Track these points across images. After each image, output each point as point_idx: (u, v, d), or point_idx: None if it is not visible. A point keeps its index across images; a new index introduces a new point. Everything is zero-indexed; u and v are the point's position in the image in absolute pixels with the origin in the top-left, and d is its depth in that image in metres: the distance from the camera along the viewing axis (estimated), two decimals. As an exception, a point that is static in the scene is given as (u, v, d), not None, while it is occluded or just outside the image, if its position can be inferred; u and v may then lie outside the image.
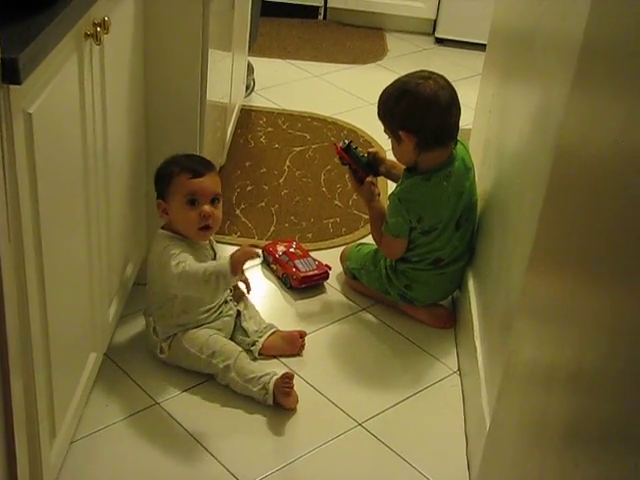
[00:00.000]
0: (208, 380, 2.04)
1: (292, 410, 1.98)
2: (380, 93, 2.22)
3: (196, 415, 1.95)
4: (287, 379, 1.96)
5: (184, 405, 1.97)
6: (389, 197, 2.24)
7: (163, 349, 2.05)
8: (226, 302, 2.14)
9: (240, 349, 2.04)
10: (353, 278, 2.43)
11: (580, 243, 1.17)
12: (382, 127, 2.23)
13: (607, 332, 1.00)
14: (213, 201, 2.01)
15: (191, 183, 1.99)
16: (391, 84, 2.21)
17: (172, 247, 1.97)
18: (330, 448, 1.91)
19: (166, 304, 2.04)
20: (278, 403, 1.97)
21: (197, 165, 2.03)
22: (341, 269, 2.48)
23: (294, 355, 2.14)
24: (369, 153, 2.34)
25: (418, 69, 2.22)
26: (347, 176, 2.42)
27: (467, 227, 2.27)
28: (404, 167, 2.26)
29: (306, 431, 1.95)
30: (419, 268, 2.27)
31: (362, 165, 2.29)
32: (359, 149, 2.30)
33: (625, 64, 1.04)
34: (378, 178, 2.35)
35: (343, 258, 2.47)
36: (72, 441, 1.79)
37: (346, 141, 2.30)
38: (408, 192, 2.20)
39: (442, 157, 2.19)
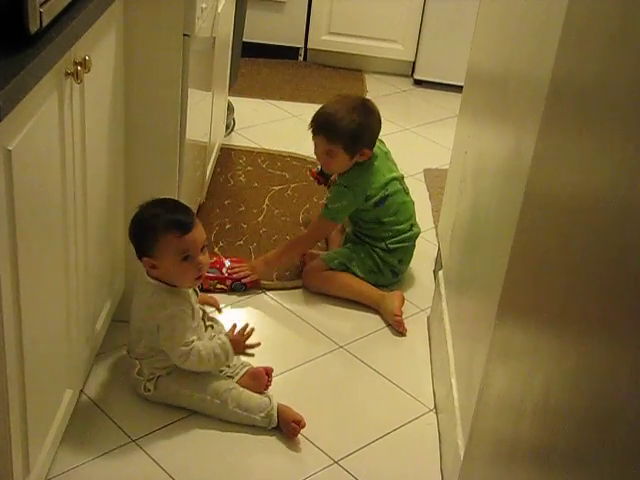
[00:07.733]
0: (186, 417, 2.04)
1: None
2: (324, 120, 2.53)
3: (173, 453, 1.94)
4: (299, 424, 2.01)
5: (161, 443, 1.97)
6: (332, 186, 2.57)
7: (148, 387, 2.04)
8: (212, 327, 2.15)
9: (229, 381, 2.05)
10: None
11: (546, 288, 1.19)
12: None
13: (571, 373, 1.02)
14: (202, 249, 1.99)
15: (182, 241, 1.93)
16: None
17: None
18: (306, 486, 1.91)
19: (152, 351, 2.03)
20: (284, 433, 2.02)
21: (182, 218, 1.95)
22: (313, 300, 2.55)
23: (259, 392, 2.06)
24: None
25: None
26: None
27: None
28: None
29: (282, 469, 1.95)
30: (404, 239, 2.60)
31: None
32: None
33: (589, 106, 1.07)
34: None
35: (312, 273, 2.58)
36: (46, 479, 1.78)
37: (319, 167, 2.71)
38: (351, 178, 2.54)
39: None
